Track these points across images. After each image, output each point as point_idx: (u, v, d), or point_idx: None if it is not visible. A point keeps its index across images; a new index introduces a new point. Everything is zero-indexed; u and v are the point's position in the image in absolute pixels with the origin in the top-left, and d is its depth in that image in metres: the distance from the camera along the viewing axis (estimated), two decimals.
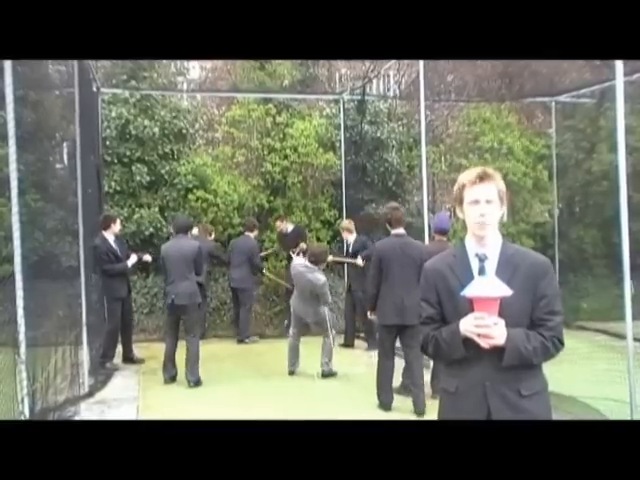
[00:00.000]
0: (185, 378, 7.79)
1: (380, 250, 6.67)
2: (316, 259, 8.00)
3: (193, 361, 7.82)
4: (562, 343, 2.66)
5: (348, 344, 10.05)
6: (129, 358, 8.92)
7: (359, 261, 9.81)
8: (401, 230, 6.71)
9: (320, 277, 7.90)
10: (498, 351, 2.57)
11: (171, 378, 7.93)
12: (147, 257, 9.50)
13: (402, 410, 6.59)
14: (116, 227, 8.79)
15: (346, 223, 10.25)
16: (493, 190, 2.66)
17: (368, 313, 7.13)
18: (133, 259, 8.94)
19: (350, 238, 10.07)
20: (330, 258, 10.93)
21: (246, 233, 10.82)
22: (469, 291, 2.57)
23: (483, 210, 2.65)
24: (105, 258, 8.51)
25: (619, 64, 5.64)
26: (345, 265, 10.83)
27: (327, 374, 8.09)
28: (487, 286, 2.55)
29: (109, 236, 8.67)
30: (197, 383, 7.76)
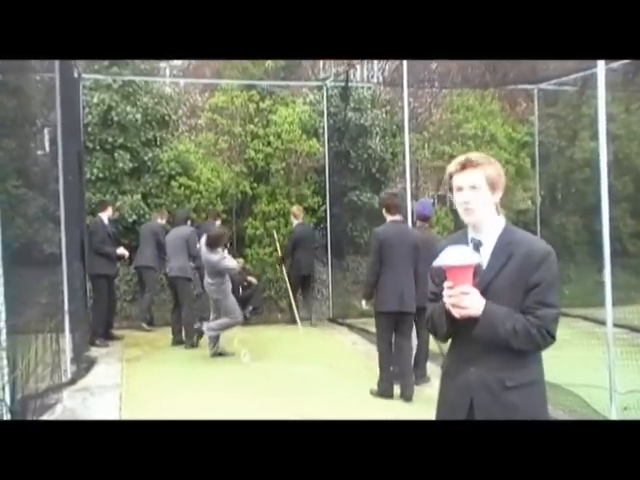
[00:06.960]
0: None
1: (380, 237, 6.57)
2: (212, 242, 8.40)
3: (186, 327, 9.24)
4: (552, 336, 2.59)
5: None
6: (109, 335, 9.65)
7: None
8: (398, 217, 6.64)
9: (213, 256, 8.37)
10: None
11: (178, 341, 9.31)
12: (124, 252, 9.88)
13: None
14: (109, 211, 9.80)
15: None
16: (478, 176, 2.63)
17: (363, 302, 7.11)
18: (122, 250, 9.74)
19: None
20: None
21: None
22: (438, 261, 2.55)
23: (466, 197, 2.64)
24: (97, 237, 9.38)
25: None
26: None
27: (213, 342, 8.57)
28: (455, 255, 2.52)
29: (104, 217, 9.64)
30: (192, 346, 9.06)
